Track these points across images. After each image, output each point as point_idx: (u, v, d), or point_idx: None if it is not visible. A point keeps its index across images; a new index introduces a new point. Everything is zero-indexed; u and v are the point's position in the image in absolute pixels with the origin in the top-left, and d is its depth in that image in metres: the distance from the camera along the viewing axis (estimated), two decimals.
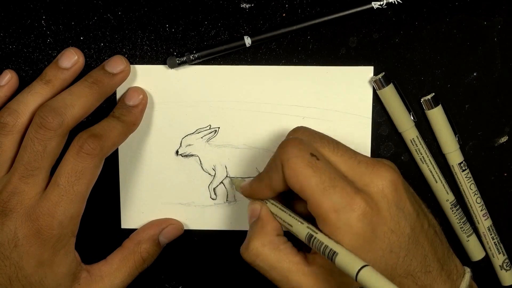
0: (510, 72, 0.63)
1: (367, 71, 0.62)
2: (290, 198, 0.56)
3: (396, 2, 0.60)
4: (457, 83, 0.63)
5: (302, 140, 0.52)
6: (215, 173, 0.64)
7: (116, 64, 0.61)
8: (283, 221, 0.54)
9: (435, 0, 0.61)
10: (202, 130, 0.63)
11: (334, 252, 0.48)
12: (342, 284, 0.51)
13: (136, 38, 0.63)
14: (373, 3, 0.60)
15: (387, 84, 0.61)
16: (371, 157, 0.53)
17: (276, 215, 0.55)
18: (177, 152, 0.64)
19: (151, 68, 0.63)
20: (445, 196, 0.63)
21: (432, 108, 0.62)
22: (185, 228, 0.66)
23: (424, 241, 0.52)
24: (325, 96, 0.62)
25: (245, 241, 0.55)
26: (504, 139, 0.63)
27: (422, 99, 0.62)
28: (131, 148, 0.64)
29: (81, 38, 0.62)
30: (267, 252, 0.53)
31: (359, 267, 0.45)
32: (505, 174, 0.64)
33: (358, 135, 0.63)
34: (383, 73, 0.61)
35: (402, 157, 0.64)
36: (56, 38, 0.62)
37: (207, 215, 0.65)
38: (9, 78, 0.61)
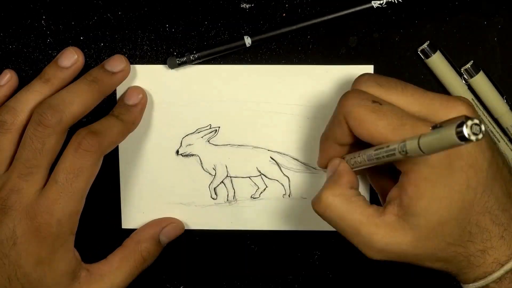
0: (510, 72, 0.63)
1: (367, 70, 0.62)
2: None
3: (396, 1, 0.60)
4: None
5: (360, 90, 0.52)
6: (215, 173, 0.64)
7: (116, 63, 0.61)
8: (367, 159, 0.52)
9: None
10: (202, 129, 0.63)
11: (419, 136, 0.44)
12: (416, 231, 0.50)
13: (136, 38, 0.63)
14: (373, 2, 0.60)
15: (434, 52, 0.61)
16: (444, 94, 0.52)
17: (357, 161, 0.54)
18: (177, 152, 0.64)
19: (151, 68, 0.63)
20: (510, 154, 0.63)
21: (474, 75, 0.62)
22: (186, 228, 0.66)
23: (500, 179, 0.51)
24: (325, 94, 0.62)
25: (317, 193, 0.54)
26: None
27: (462, 69, 0.62)
28: (132, 148, 0.64)
29: (81, 38, 0.62)
30: (337, 202, 0.52)
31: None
32: None
33: None
34: (428, 41, 0.61)
35: None
36: (56, 38, 0.62)
37: (207, 215, 0.65)
38: (8, 78, 0.61)
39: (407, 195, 0.49)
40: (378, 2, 0.60)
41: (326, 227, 0.64)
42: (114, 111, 0.61)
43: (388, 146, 0.48)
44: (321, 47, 0.62)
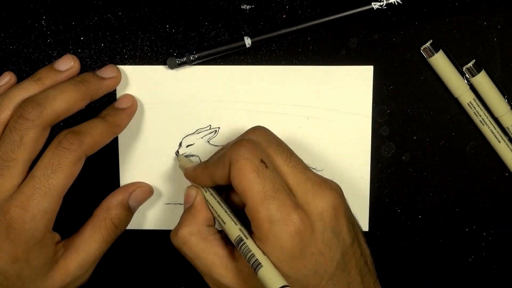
0: (510, 72, 0.63)
1: (367, 71, 0.62)
2: (230, 188, 0.55)
3: (396, 3, 0.60)
4: None
5: (256, 143, 0.52)
6: None
7: (108, 70, 0.61)
8: (218, 215, 0.55)
9: (435, 0, 0.61)
10: (202, 130, 0.63)
11: (259, 263, 0.49)
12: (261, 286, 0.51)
13: (136, 38, 0.62)
14: (373, 3, 0.60)
15: (436, 51, 0.61)
16: (320, 176, 0.53)
17: (211, 206, 0.56)
18: (177, 152, 0.64)
19: (151, 69, 0.63)
20: (510, 155, 0.63)
21: (476, 74, 0.62)
22: None
23: (352, 269, 0.53)
24: (325, 95, 0.62)
25: (176, 226, 0.56)
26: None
27: (464, 68, 0.62)
28: (132, 148, 0.64)
29: (81, 38, 0.62)
30: (194, 241, 0.54)
31: (279, 286, 0.47)
32: (507, 174, 0.64)
33: (358, 134, 0.63)
34: (431, 40, 0.61)
35: (403, 157, 0.64)
36: (56, 38, 0.62)
37: None
38: (8, 79, 0.61)
39: None
40: (378, 3, 0.60)
41: None
42: (102, 113, 0.61)
43: (239, 236, 0.52)
44: (321, 48, 0.62)
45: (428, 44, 0.61)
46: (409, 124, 0.64)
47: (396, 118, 0.63)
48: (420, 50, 0.62)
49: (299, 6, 0.62)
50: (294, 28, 0.61)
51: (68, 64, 0.60)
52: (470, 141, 0.64)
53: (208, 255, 0.54)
